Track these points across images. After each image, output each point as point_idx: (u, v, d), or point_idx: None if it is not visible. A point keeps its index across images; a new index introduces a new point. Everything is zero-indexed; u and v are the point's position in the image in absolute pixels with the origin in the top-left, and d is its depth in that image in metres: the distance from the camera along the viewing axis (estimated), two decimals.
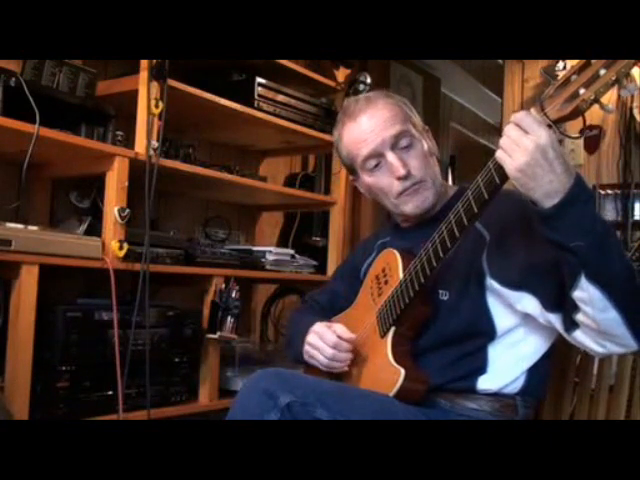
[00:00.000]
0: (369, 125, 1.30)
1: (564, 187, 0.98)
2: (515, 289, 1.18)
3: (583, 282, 1.02)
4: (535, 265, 1.14)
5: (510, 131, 1.01)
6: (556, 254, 1.05)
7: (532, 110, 1.01)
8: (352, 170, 1.39)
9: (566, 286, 1.06)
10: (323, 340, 1.32)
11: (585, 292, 1.03)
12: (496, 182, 1.05)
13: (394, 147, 1.29)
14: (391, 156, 1.29)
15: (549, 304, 1.13)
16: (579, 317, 1.08)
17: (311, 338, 1.35)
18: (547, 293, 1.13)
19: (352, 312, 1.46)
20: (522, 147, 0.98)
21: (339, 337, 1.31)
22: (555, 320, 1.13)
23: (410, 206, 1.31)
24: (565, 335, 1.14)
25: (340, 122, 1.37)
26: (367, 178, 1.34)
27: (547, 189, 0.98)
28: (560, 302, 1.10)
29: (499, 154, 1.02)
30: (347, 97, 2.41)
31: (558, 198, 0.98)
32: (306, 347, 1.37)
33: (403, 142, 1.29)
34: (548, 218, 1.00)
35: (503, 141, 1.02)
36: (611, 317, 1.03)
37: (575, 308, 1.07)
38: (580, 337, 1.10)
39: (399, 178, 1.28)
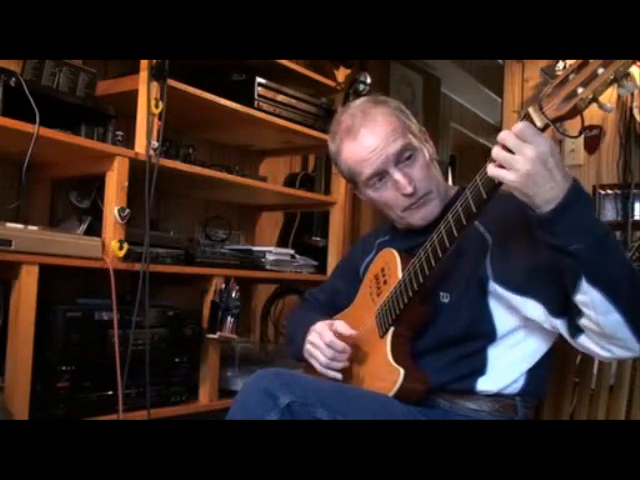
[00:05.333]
0: (370, 144, 1.28)
1: (562, 192, 0.99)
2: (519, 294, 1.17)
3: (584, 285, 1.02)
4: (538, 270, 1.13)
5: (508, 141, 1.00)
6: (556, 259, 1.04)
7: (530, 109, 1.01)
8: (353, 182, 1.38)
9: (568, 290, 1.06)
10: (324, 340, 1.32)
11: (587, 295, 1.02)
12: (494, 181, 1.05)
13: (397, 163, 1.28)
14: (396, 173, 1.27)
15: (554, 309, 1.13)
16: (583, 321, 1.07)
17: (312, 337, 1.36)
18: (551, 298, 1.12)
19: (351, 312, 1.46)
20: (523, 156, 0.98)
21: (340, 334, 1.31)
22: (560, 325, 1.13)
23: (416, 218, 1.30)
24: (571, 341, 1.13)
25: (337, 137, 1.34)
26: (371, 193, 1.33)
27: (547, 196, 0.99)
28: (564, 307, 1.10)
29: (493, 168, 1.01)
30: (347, 97, 2.41)
31: (555, 203, 0.99)
32: (307, 346, 1.37)
33: (406, 155, 1.28)
34: (547, 223, 1.01)
35: (498, 153, 1.01)
36: (614, 320, 1.03)
37: (578, 313, 1.07)
38: (585, 342, 1.10)
39: (405, 195, 1.28)
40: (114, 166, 1.73)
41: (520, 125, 0.99)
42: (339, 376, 1.32)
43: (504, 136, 1.00)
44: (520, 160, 0.98)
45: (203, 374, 2.01)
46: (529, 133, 0.98)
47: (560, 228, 1.00)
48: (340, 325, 1.32)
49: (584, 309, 1.05)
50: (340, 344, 1.31)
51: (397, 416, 1.17)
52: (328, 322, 1.36)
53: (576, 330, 1.10)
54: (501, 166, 1.01)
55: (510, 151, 0.99)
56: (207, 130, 2.38)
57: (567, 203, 0.99)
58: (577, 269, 1.02)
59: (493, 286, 1.21)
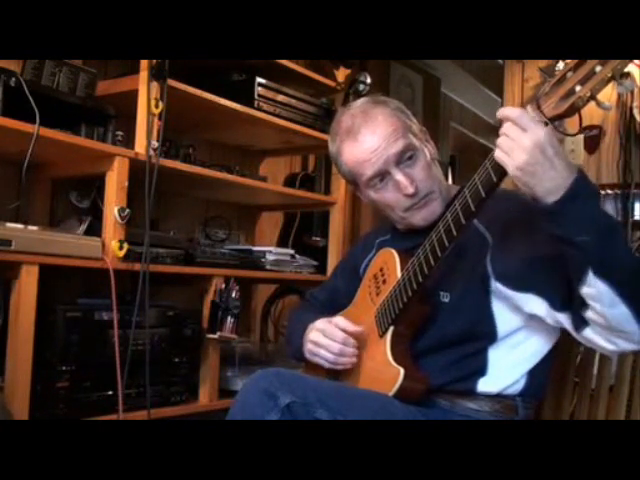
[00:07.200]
0: (371, 144, 1.27)
1: (566, 183, 0.98)
2: (521, 290, 1.17)
3: (591, 277, 1.01)
4: (539, 265, 1.13)
5: (508, 130, 1.00)
6: (562, 250, 1.03)
7: (529, 107, 1.01)
8: (354, 183, 1.37)
9: (573, 283, 1.05)
10: (328, 337, 1.32)
11: (593, 288, 1.01)
12: (493, 181, 1.05)
13: (398, 163, 1.27)
14: (397, 174, 1.26)
15: (557, 303, 1.12)
16: (588, 314, 1.06)
17: (314, 336, 1.35)
18: (554, 292, 1.12)
19: (351, 311, 1.46)
20: (521, 145, 0.98)
21: (344, 331, 1.30)
22: (564, 319, 1.12)
23: (418, 218, 1.29)
24: (575, 334, 1.12)
25: (338, 137, 1.33)
26: (372, 194, 1.32)
27: (548, 186, 0.98)
28: (568, 300, 1.09)
29: (498, 154, 1.01)
30: (347, 97, 2.41)
31: (560, 194, 0.98)
32: (309, 345, 1.36)
33: (407, 155, 1.27)
34: (552, 214, 1.00)
35: (501, 140, 1.01)
36: (621, 312, 1.02)
37: (584, 305, 1.06)
38: (590, 335, 1.09)
39: (407, 195, 1.27)
40: (114, 166, 1.73)
41: (516, 112, 0.99)
42: (350, 365, 1.32)
43: (505, 125, 1.00)
44: (517, 149, 0.98)
45: (203, 374, 2.01)
46: (524, 121, 0.98)
47: (565, 220, 0.99)
48: (341, 321, 1.32)
49: (590, 302, 1.04)
50: (352, 341, 1.31)
51: (397, 416, 1.17)
52: (327, 319, 1.36)
53: (581, 323, 1.09)
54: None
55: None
56: (207, 130, 2.38)
57: (572, 194, 0.97)
58: (583, 261, 1.01)
59: (495, 285, 1.20)
